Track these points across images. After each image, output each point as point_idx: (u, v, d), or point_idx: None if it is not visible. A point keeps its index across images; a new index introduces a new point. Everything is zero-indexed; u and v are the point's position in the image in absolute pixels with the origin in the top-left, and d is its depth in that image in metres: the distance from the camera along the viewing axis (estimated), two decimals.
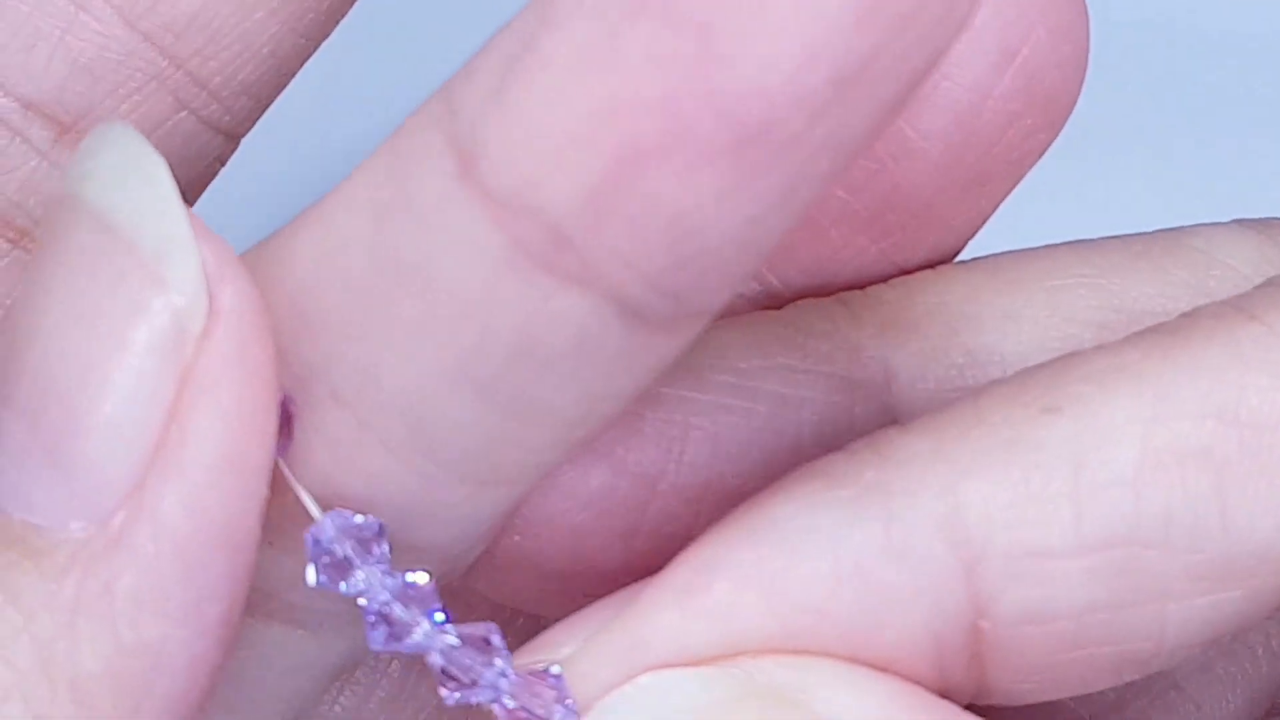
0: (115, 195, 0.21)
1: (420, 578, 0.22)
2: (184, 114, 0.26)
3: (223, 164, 0.26)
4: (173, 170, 0.23)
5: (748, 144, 0.19)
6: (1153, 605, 0.23)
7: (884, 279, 0.27)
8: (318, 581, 0.22)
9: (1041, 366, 0.23)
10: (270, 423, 0.21)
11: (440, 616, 0.23)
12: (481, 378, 0.21)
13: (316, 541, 0.22)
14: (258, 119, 0.26)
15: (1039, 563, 0.22)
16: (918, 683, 0.23)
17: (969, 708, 0.24)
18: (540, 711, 0.23)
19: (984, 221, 0.27)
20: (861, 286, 0.27)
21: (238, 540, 0.21)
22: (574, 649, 0.23)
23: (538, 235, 0.19)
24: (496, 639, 0.23)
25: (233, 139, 0.26)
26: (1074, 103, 0.26)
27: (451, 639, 0.22)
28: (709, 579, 0.23)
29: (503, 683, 0.23)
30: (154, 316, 0.21)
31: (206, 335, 0.21)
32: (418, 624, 0.22)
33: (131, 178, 0.21)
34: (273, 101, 0.26)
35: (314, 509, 0.22)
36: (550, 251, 0.20)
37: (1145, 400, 0.22)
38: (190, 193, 0.26)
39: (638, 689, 0.23)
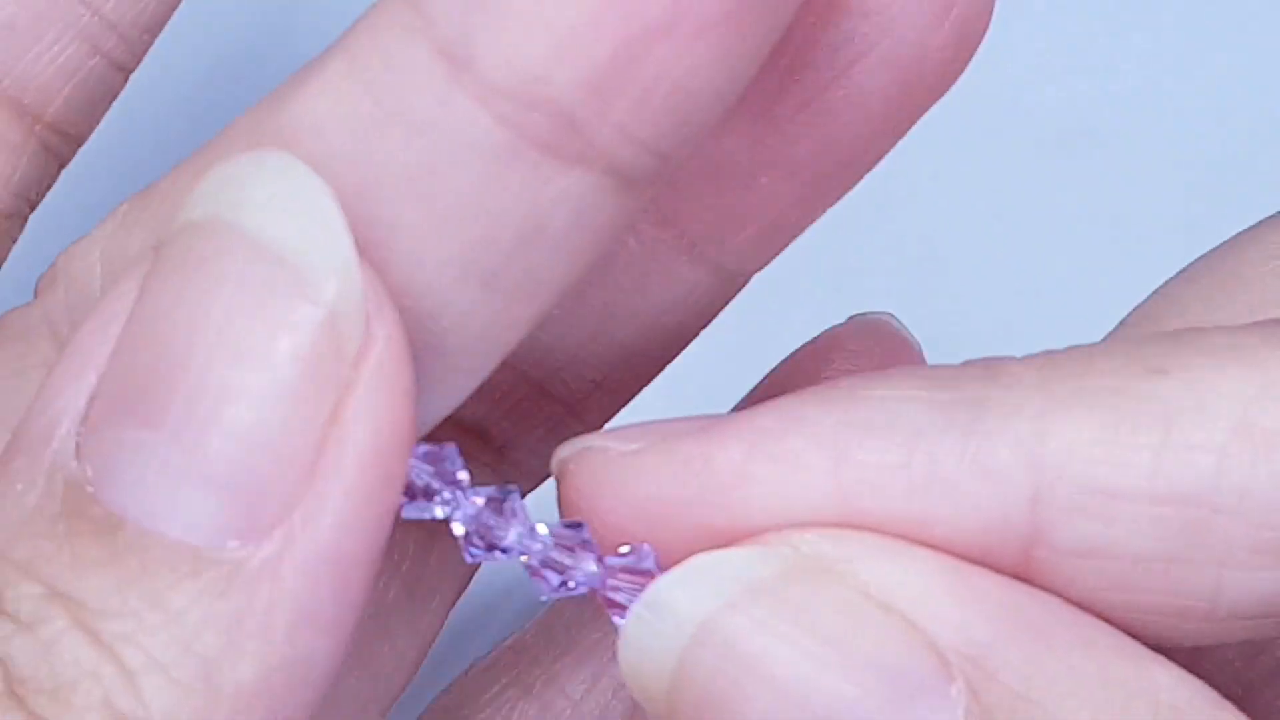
0: (282, 225, 0.22)
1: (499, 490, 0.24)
2: (97, 59, 0.28)
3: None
4: (81, 114, 0.27)
5: (743, 8, 0.21)
6: (1211, 568, 0.23)
7: (806, 225, 0.28)
8: (405, 512, 0.24)
9: (1161, 335, 0.24)
10: (408, 445, 0.22)
11: (542, 529, 0.24)
12: (488, 267, 0.22)
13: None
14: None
15: (1106, 501, 0.23)
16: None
17: None
18: (629, 602, 0.24)
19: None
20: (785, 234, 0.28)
21: (377, 553, 0.22)
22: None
23: (544, 125, 0.21)
24: (586, 533, 0.24)
25: (127, 75, 0.28)
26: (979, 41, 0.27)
27: (542, 542, 0.24)
28: (786, 428, 0.24)
29: (596, 576, 0.24)
30: (314, 341, 0.21)
31: (361, 360, 0.22)
32: (509, 531, 0.24)
33: (297, 207, 0.22)
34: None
35: None
36: (556, 138, 0.21)
37: (1252, 380, 0.23)
38: (91, 130, 0.28)
39: (690, 569, 0.24)
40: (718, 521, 0.24)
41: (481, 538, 0.24)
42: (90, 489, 0.22)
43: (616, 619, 0.25)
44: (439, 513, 0.24)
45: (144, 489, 0.21)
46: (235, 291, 0.21)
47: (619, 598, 0.25)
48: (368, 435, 0.22)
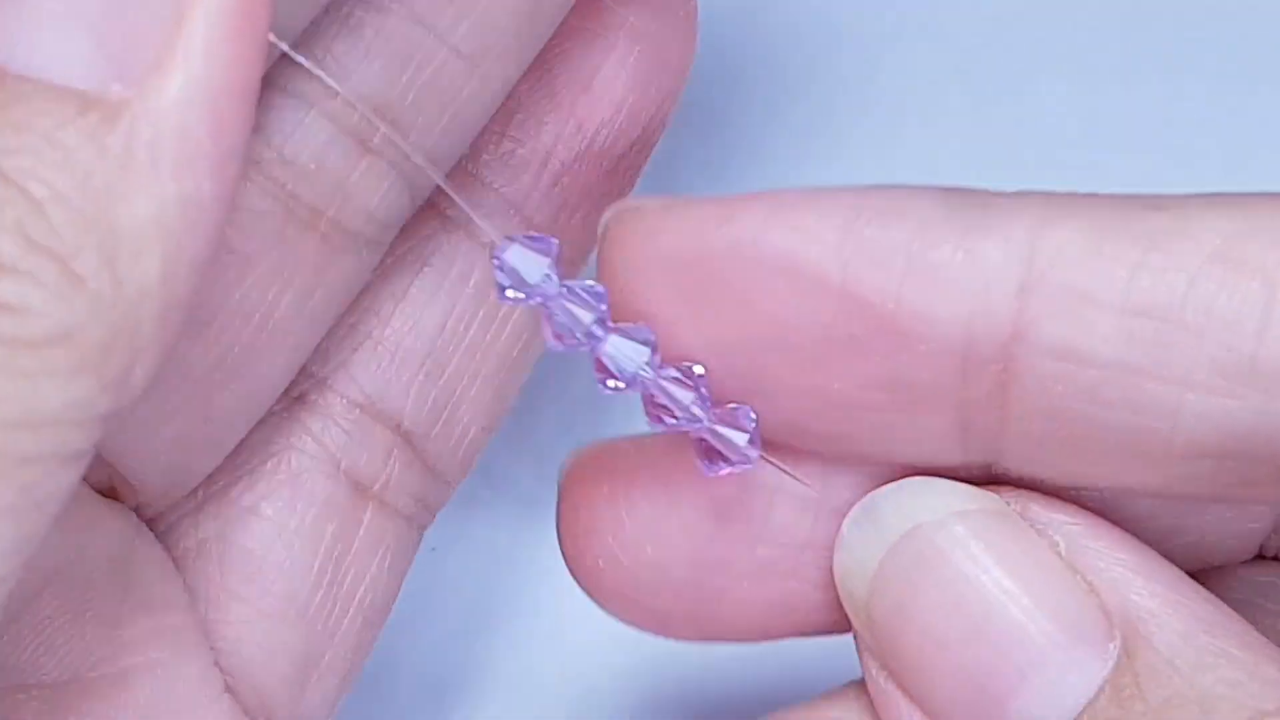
0: None
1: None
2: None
3: None
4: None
5: None
6: (1173, 387, 0.26)
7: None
8: (550, 344, 0.27)
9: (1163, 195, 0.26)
10: None
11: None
12: None
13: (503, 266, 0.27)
14: None
15: (1084, 307, 0.25)
16: (940, 417, 0.27)
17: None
18: (728, 450, 0.27)
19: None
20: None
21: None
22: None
23: None
24: (700, 370, 0.27)
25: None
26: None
27: (654, 376, 0.27)
28: (804, 203, 0.26)
29: (702, 415, 0.27)
30: None
31: None
32: (633, 362, 0.27)
33: None
34: None
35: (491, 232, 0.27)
36: None
37: (1237, 218, 0.25)
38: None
39: (906, 485, 0.28)
40: (732, 282, 0.26)
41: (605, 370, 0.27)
42: None
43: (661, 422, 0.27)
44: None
45: (22, 37, 0.23)
46: None
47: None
48: None
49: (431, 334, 0.33)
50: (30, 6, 0.23)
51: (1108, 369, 0.26)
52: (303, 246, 0.30)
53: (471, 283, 0.33)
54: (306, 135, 0.29)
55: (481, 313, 0.33)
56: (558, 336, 0.27)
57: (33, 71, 0.23)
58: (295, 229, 0.29)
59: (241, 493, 0.32)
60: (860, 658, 0.28)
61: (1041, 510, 0.27)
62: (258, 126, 0.28)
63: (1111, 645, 0.26)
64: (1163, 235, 0.25)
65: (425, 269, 0.33)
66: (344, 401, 0.33)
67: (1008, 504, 0.27)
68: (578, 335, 0.27)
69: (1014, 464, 0.27)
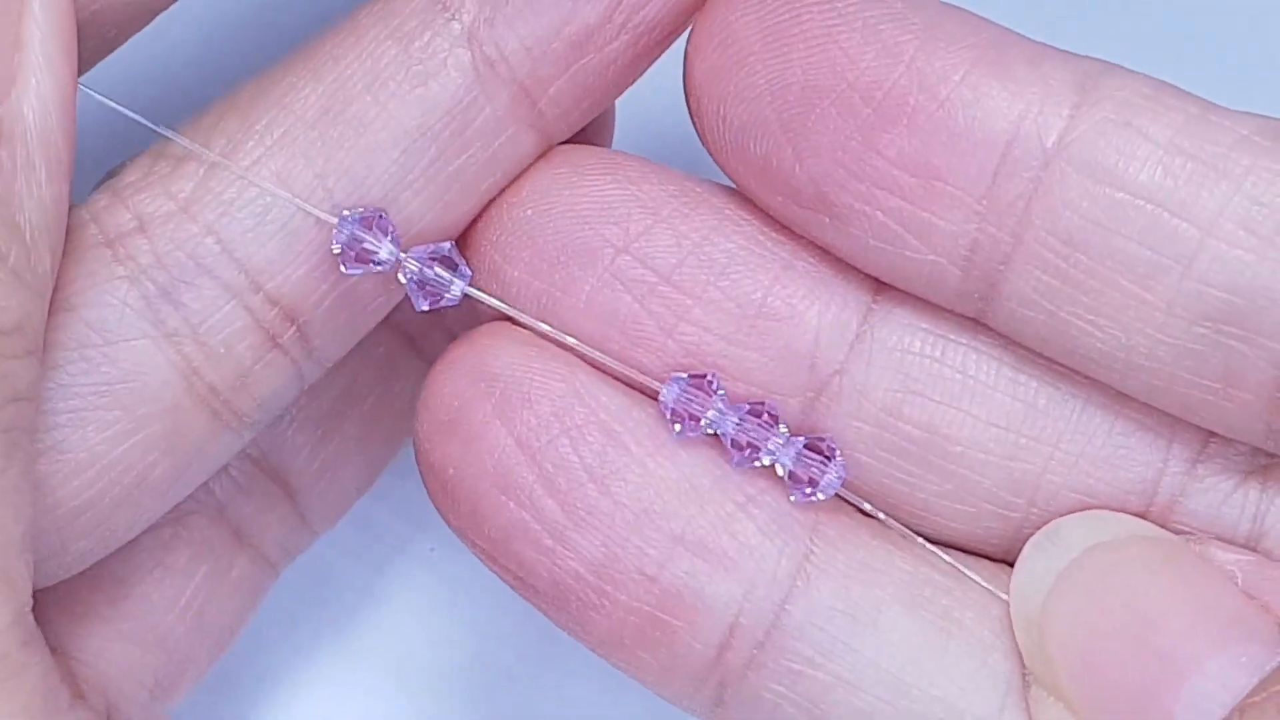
0: None
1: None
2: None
3: None
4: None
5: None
6: (1197, 230, 0.26)
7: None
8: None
9: None
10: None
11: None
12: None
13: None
14: None
15: (1128, 134, 0.27)
16: None
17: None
18: (810, 476, 0.28)
19: None
20: None
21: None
22: None
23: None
24: (773, 409, 0.28)
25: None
26: None
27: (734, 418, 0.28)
28: None
29: (784, 451, 0.28)
30: None
31: None
32: (710, 407, 0.28)
33: None
34: None
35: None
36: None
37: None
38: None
39: (1088, 515, 0.28)
40: (816, 23, 0.27)
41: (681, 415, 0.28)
42: None
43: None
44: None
45: None
46: None
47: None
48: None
49: (331, 399, 0.34)
50: None
51: (1139, 196, 0.26)
52: (193, 418, 0.29)
53: (378, 353, 0.34)
54: (222, 319, 0.29)
55: (379, 384, 0.34)
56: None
57: None
58: (191, 401, 0.29)
59: None
60: (1024, 681, 0.28)
61: (1218, 550, 0.28)
62: (176, 302, 0.28)
63: None
64: (1219, 108, 0.27)
65: None
66: (240, 452, 0.32)
67: (1187, 542, 0.28)
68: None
69: (1011, 303, 0.27)
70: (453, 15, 0.29)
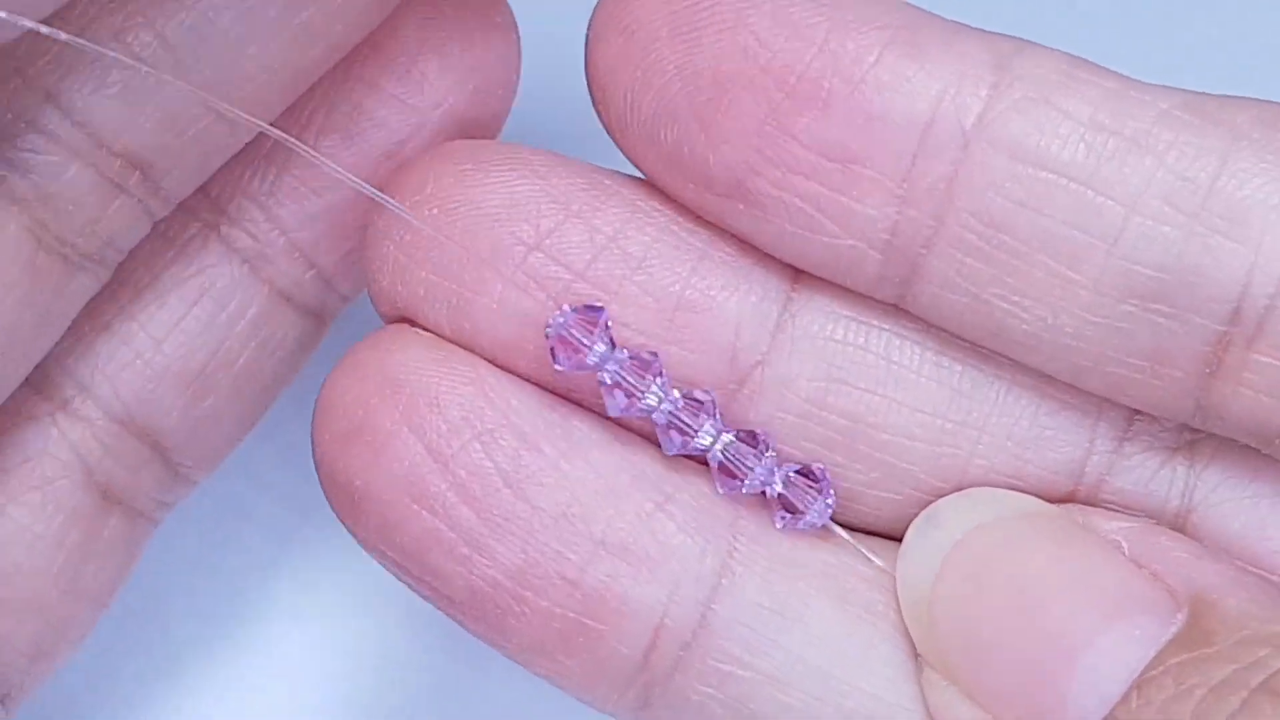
0: None
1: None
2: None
3: None
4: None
5: None
6: (1122, 207, 0.26)
7: None
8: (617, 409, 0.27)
9: None
10: None
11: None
12: None
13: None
14: None
15: (1048, 112, 0.26)
16: None
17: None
18: (802, 505, 0.28)
19: None
20: None
21: None
22: None
23: None
24: (764, 435, 0.28)
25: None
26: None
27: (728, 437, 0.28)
28: None
29: (774, 476, 0.28)
30: None
31: None
32: (702, 428, 0.27)
33: None
34: None
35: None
36: None
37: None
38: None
39: (966, 495, 0.28)
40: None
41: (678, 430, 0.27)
42: None
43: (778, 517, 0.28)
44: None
45: None
46: None
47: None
48: None
49: (203, 356, 0.33)
50: None
51: (1062, 175, 0.26)
52: (48, 268, 0.29)
53: (250, 313, 0.33)
54: (70, 180, 0.29)
55: (253, 338, 0.33)
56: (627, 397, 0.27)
57: None
58: (44, 255, 0.29)
59: None
60: (918, 667, 0.27)
61: (1103, 520, 0.27)
62: (24, 170, 0.29)
63: (1179, 615, 0.26)
64: (1138, 83, 0.26)
65: (206, 295, 0.33)
66: (105, 414, 0.32)
67: (1070, 513, 0.28)
68: (643, 404, 0.27)
69: (933, 286, 0.27)
70: None
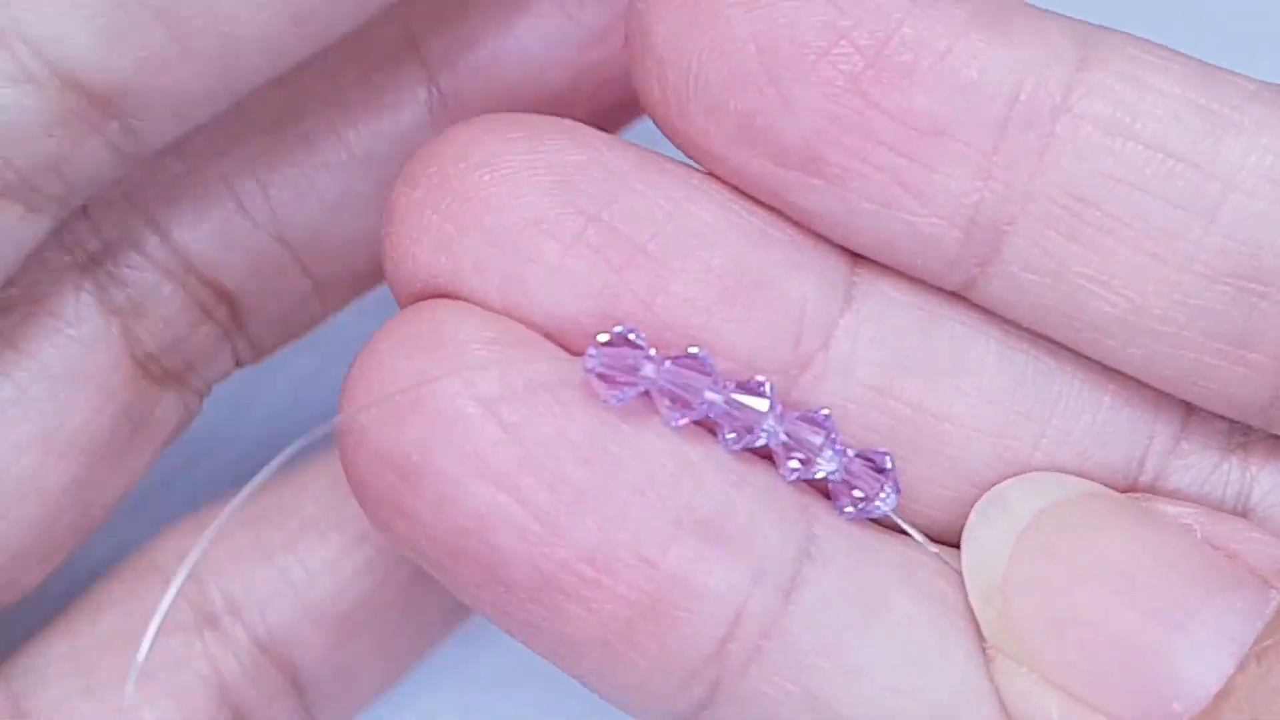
0: None
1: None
2: None
3: None
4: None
5: None
6: (1217, 183, 0.25)
7: None
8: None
9: None
10: None
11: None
12: None
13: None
14: None
15: (1139, 88, 0.26)
16: None
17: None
18: (869, 492, 0.26)
19: None
20: None
21: None
22: None
23: None
24: (829, 422, 0.26)
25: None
26: None
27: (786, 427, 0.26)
28: None
29: (839, 464, 0.26)
30: None
31: None
32: (765, 417, 0.26)
33: None
34: None
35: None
36: None
37: None
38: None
39: (1028, 478, 0.27)
40: None
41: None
42: None
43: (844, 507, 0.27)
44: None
45: None
46: None
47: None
48: None
49: (352, 601, 0.33)
50: None
51: (1156, 149, 0.25)
52: (140, 383, 0.31)
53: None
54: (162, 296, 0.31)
55: (405, 591, 0.34)
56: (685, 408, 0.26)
57: None
58: (136, 368, 0.31)
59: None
60: (994, 671, 0.26)
61: (1169, 505, 0.27)
62: None
63: (1272, 592, 0.25)
64: (1218, 67, 0.26)
65: (366, 539, 0.33)
66: (250, 637, 0.33)
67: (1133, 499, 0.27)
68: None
69: (1013, 267, 0.26)
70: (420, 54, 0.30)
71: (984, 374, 0.27)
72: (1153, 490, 0.28)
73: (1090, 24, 0.26)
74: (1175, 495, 0.28)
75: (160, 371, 0.31)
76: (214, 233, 0.30)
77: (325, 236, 0.31)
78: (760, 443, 0.26)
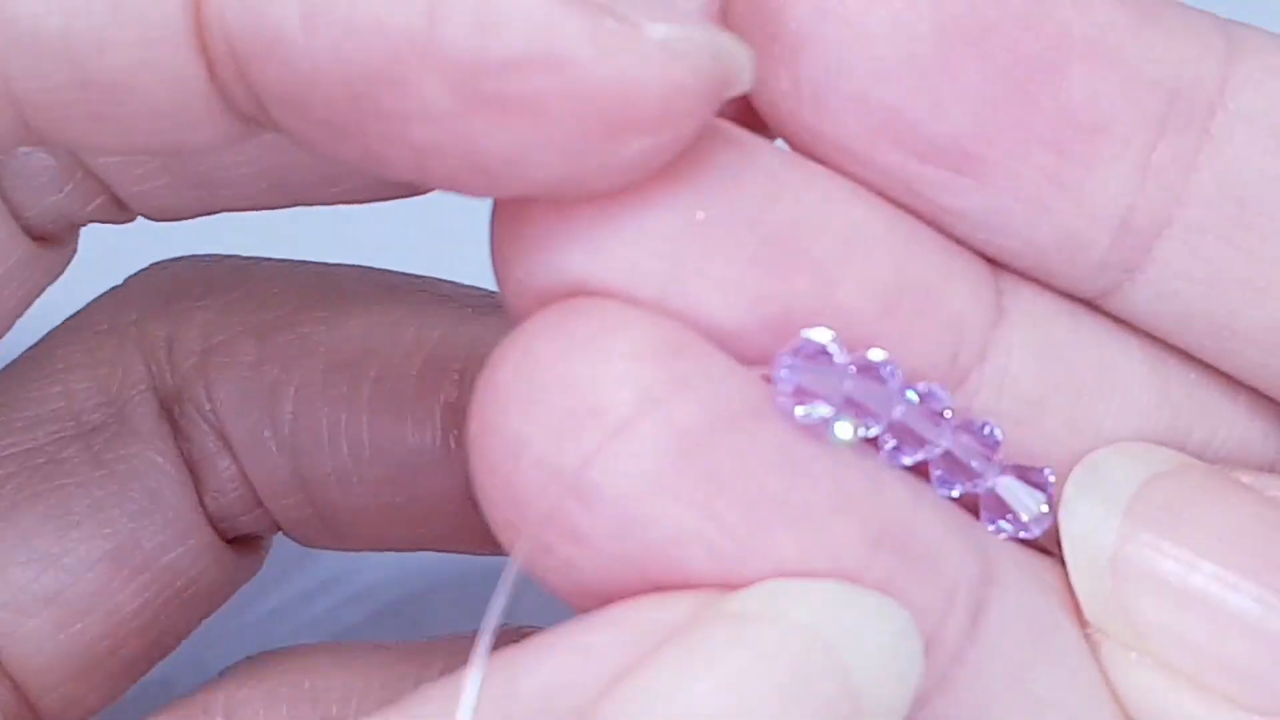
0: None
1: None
2: None
3: None
4: None
5: None
6: None
7: None
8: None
9: None
10: None
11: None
12: None
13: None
14: None
15: None
16: None
17: None
18: (1026, 509, 0.25)
19: None
20: None
21: None
22: None
23: None
24: (992, 434, 0.25)
25: None
26: None
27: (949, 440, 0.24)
28: None
29: (996, 474, 0.25)
30: None
31: None
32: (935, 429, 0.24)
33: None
34: None
35: None
36: None
37: None
38: None
39: (1120, 447, 0.25)
40: None
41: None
42: None
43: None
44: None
45: None
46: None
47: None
48: None
49: None
50: None
51: None
52: None
53: None
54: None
55: None
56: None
57: None
58: None
59: None
60: (1106, 663, 0.25)
61: (1245, 475, 0.25)
62: None
63: None
64: None
65: None
66: None
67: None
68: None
69: (1165, 273, 0.25)
70: None
71: (1132, 388, 0.26)
72: None
73: (1223, 19, 0.26)
74: None
75: (227, 531, 0.32)
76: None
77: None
78: (923, 456, 0.25)
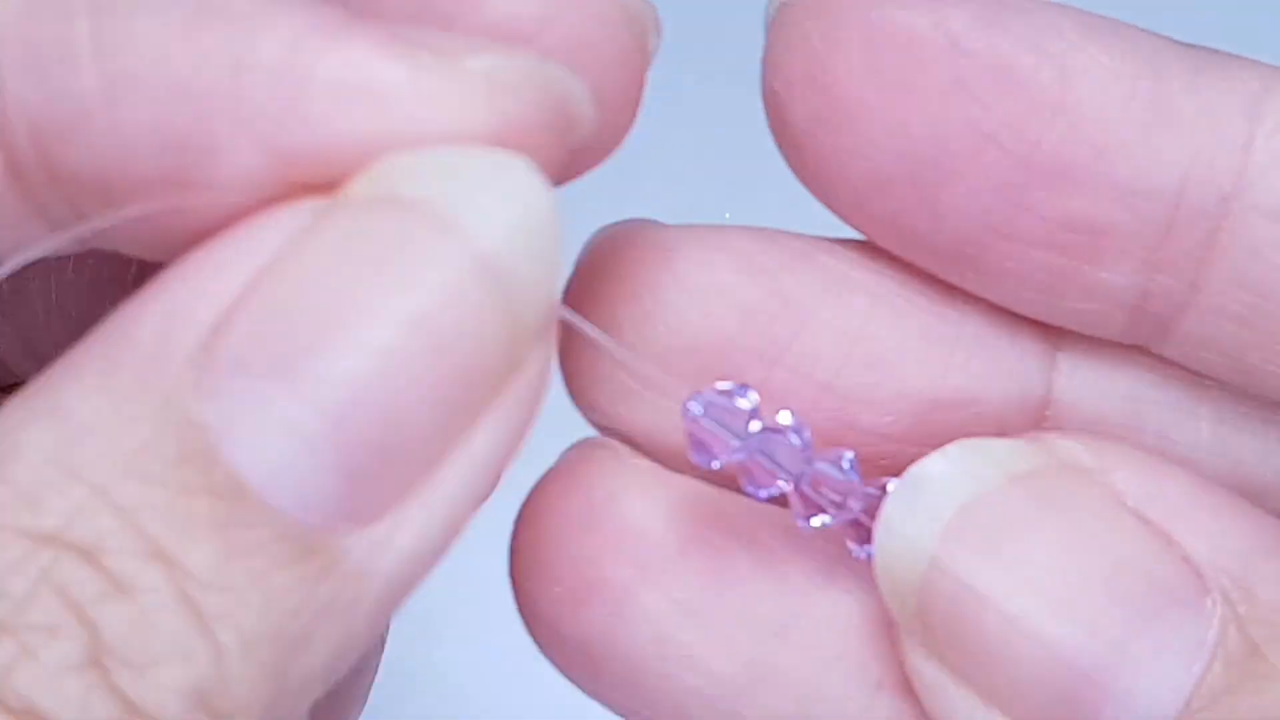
0: (515, 255, 0.21)
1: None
2: None
3: None
4: None
5: None
6: None
7: None
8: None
9: None
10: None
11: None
12: None
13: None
14: None
15: None
16: None
17: None
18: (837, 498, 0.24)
19: None
20: None
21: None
22: None
23: None
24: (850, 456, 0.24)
25: None
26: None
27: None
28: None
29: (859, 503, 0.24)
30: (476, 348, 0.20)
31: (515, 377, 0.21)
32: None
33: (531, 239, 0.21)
34: None
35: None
36: None
37: None
38: None
39: (952, 450, 0.24)
40: (939, 76, 0.24)
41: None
42: (213, 440, 0.19)
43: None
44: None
45: (268, 451, 0.19)
46: (444, 302, 0.20)
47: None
48: (494, 447, 0.21)
49: None
50: (287, 423, 0.19)
51: None
52: None
53: None
54: None
55: None
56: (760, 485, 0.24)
57: (271, 495, 0.20)
58: None
59: None
60: (904, 652, 0.24)
61: (1093, 457, 0.24)
62: None
63: (1208, 601, 0.23)
64: None
65: None
66: None
67: (1056, 452, 0.24)
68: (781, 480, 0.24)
69: (1182, 346, 0.25)
70: None
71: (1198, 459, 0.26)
72: None
73: (1255, 71, 0.24)
74: None
75: None
76: None
77: None
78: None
